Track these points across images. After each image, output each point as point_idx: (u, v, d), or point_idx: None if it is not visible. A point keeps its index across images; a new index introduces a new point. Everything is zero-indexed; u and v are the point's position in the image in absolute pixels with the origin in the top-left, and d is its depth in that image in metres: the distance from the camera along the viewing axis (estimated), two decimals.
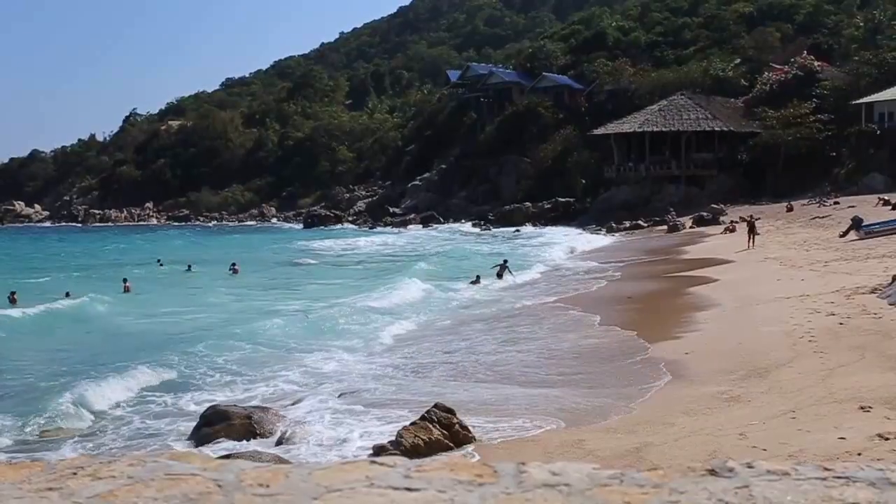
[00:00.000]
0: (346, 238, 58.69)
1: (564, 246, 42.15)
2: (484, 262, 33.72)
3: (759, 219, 37.25)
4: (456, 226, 67.02)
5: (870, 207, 38.36)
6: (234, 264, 36.63)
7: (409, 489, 1.37)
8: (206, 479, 1.42)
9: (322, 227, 74.86)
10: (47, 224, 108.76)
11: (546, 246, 43.05)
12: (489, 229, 60.87)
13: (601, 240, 47.09)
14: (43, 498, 1.39)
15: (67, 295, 29.47)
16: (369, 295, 25.84)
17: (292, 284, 31.98)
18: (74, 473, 1.46)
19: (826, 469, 1.41)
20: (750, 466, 1.42)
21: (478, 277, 28.40)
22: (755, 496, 1.33)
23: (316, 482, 1.40)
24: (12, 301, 27.25)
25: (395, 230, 67.94)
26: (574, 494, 1.35)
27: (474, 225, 64.44)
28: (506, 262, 30.03)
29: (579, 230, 54.32)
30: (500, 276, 29.20)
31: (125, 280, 30.54)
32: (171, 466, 1.47)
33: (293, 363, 15.99)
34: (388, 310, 22.88)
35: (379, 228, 71.01)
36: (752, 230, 32.07)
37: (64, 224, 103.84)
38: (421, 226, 70.02)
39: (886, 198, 40.94)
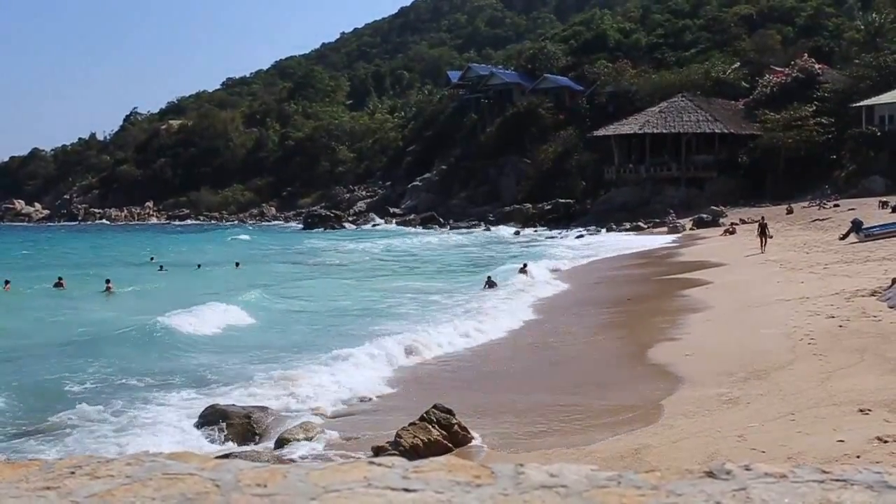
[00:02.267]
0: (402, 238, 56.49)
1: (595, 248, 41.46)
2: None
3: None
4: (487, 229, 63.56)
5: (870, 210, 38.33)
6: (237, 263, 37.92)
7: (406, 490, 1.37)
8: (204, 479, 1.42)
9: (322, 227, 74.25)
10: (50, 223, 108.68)
11: (570, 248, 42.70)
12: (536, 232, 58.08)
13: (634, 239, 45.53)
14: (40, 497, 1.39)
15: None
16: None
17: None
18: (72, 473, 1.46)
19: (824, 472, 1.41)
20: (748, 469, 1.42)
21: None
22: (752, 499, 1.32)
23: (314, 482, 1.40)
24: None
25: (465, 230, 64.52)
26: (572, 496, 1.35)
27: (516, 233, 58.84)
28: (525, 265, 29.94)
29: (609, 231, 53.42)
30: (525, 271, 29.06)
31: (108, 281, 28.74)
32: (169, 466, 1.47)
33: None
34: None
35: (421, 229, 67.68)
36: (763, 233, 31.19)
37: (85, 223, 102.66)
38: (421, 227, 69.56)
39: (886, 200, 40.95)
